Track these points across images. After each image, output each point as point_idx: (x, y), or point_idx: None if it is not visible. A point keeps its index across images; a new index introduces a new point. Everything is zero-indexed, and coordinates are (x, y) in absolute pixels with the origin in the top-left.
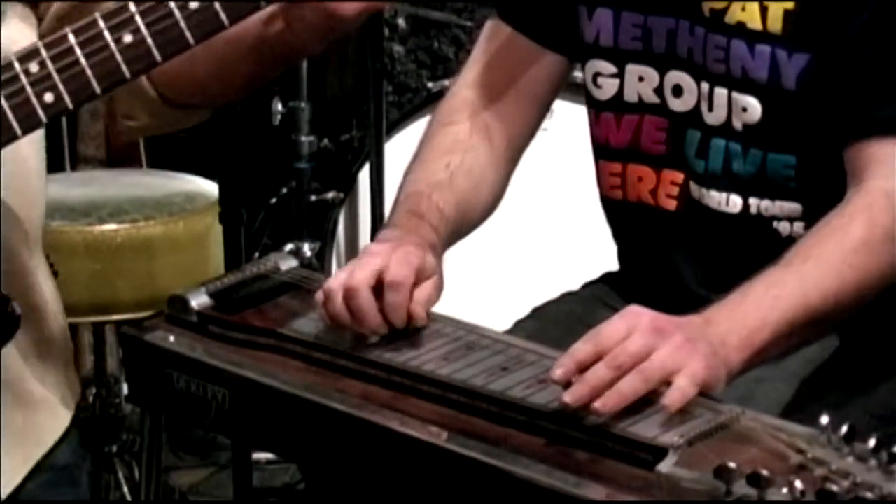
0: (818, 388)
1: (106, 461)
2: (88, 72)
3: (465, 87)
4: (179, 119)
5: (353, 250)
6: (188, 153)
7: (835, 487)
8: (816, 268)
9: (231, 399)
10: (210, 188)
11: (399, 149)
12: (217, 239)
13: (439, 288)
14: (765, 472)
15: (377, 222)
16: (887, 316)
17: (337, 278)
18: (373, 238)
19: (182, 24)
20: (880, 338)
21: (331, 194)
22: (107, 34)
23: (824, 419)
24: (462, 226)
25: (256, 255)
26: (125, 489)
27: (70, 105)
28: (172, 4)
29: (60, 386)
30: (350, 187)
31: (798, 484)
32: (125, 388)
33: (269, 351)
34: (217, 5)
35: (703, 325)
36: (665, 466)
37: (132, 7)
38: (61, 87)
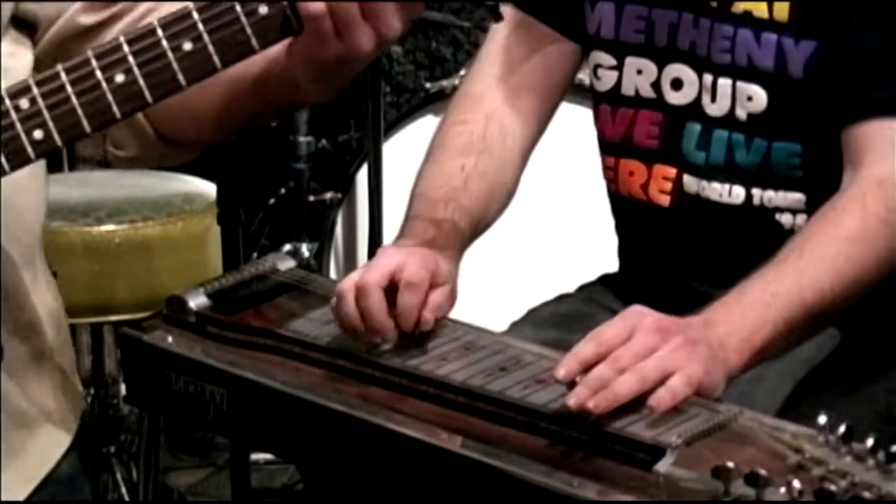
0: (818, 387)
1: (104, 462)
2: (79, 110)
3: (478, 81)
4: (169, 155)
5: (351, 251)
6: None
7: (833, 487)
8: (812, 263)
9: (229, 399)
10: (208, 189)
11: (397, 149)
12: (215, 239)
13: (453, 298)
14: (763, 472)
15: (375, 223)
16: (888, 314)
17: (349, 279)
18: (371, 238)
19: (174, 65)
20: (881, 336)
21: (329, 195)
22: (98, 73)
23: (822, 419)
24: (476, 232)
25: (254, 255)
26: (123, 490)
27: (59, 143)
28: (165, 45)
29: (59, 401)
30: (348, 188)
31: (796, 483)
32: (123, 389)
33: (268, 351)
34: (210, 48)
35: (702, 327)
36: (663, 466)
37: (125, 47)
38: (51, 124)
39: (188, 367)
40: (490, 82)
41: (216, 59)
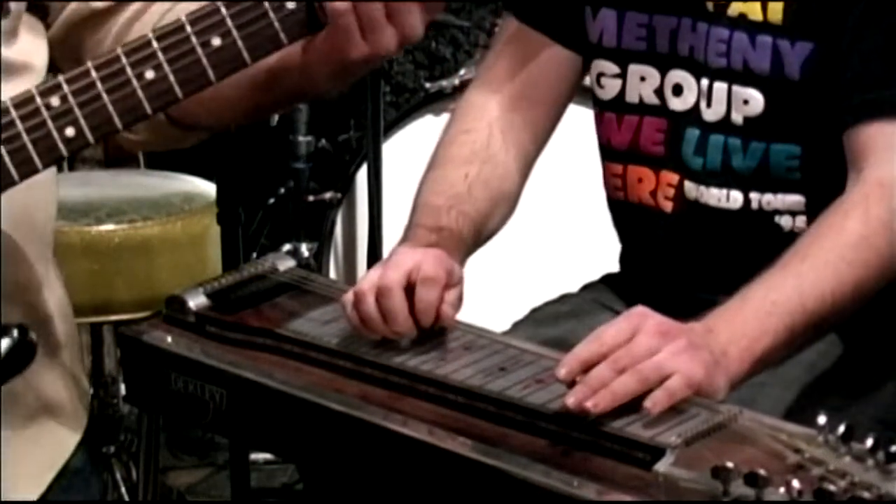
0: (819, 393)
1: (104, 461)
2: (110, 107)
3: (482, 91)
4: (179, 138)
5: (350, 250)
6: (186, 154)
7: (832, 487)
8: (814, 268)
9: (229, 399)
10: (208, 189)
11: (397, 149)
12: (215, 239)
13: (461, 301)
14: (762, 472)
15: (375, 222)
16: (889, 320)
17: (368, 280)
18: (371, 238)
19: (204, 61)
20: (882, 342)
21: (328, 195)
22: (128, 70)
23: (822, 419)
24: (479, 241)
25: (254, 255)
26: (123, 489)
27: (91, 140)
28: (194, 40)
29: (71, 393)
30: (348, 188)
31: (795, 484)
32: (123, 389)
33: (267, 351)
34: (239, 43)
35: (705, 333)
36: (663, 466)
37: (154, 43)
38: (83, 121)
39: (188, 366)
40: (493, 92)
41: (245, 54)
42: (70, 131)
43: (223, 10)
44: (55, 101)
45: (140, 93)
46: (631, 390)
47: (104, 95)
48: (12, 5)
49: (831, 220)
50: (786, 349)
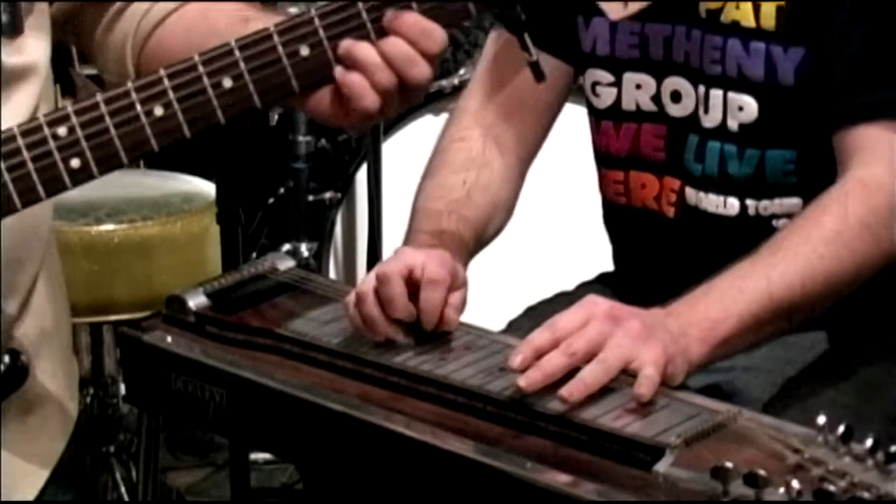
0: (828, 389)
1: (103, 461)
2: (116, 141)
3: (474, 101)
4: None
5: (350, 250)
6: (186, 154)
7: (832, 487)
8: (785, 259)
9: (229, 399)
10: (208, 188)
11: (396, 149)
12: (214, 239)
13: (465, 303)
14: (762, 472)
15: (375, 222)
16: (877, 312)
17: (369, 281)
18: (371, 238)
19: (214, 101)
20: (870, 335)
21: (328, 195)
22: (138, 105)
23: (822, 419)
24: (479, 245)
25: (254, 255)
26: (122, 489)
27: (96, 173)
28: (206, 80)
29: (65, 383)
30: (347, 188)
31: (795, 484)
32: (122, 389)
33: (267, 351)
34: (250, 86)
35: (663, 316)
36: (662, 466)
37: (165, 81)
38: (88, 154)
39: (188, 366)
40: (485, 100)
41: (256, 97)
42: (75, 162)
43: (237, 52)
44: (62, 131)
45: (147, 129)
46: (599, 378)
47: (112, 129)
48: (23, 5)
49: (809, 214)
50: (751, 335)
